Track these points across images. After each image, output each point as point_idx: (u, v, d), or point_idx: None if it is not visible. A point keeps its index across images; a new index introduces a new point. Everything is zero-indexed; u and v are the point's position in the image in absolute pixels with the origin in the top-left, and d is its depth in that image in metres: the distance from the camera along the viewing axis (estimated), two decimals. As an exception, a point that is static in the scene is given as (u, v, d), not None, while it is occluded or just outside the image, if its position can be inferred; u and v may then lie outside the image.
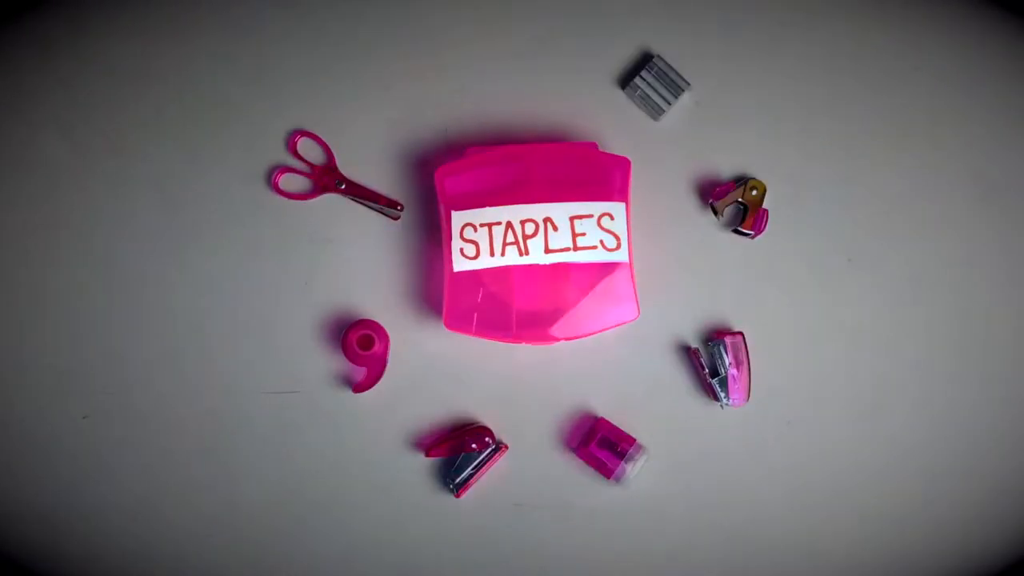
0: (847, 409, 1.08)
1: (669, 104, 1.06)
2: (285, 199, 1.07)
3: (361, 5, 1.08)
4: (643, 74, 1.05)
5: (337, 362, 1.07)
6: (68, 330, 1.07)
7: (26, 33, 1.08)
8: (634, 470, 1.04)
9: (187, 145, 1.08)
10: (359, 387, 1.05)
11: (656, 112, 1.06)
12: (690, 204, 1.08)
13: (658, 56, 1.06)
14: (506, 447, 1.06)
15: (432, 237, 1.07)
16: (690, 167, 1.08)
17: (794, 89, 1.08)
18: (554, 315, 1.04)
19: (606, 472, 1.05)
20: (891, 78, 1.08)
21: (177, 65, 1.08)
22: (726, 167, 1.08)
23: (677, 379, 1.08)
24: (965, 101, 1.08)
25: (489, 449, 1.05)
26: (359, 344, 1.04)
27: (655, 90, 1.05)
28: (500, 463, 1.07)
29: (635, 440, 1.05)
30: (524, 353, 1.06)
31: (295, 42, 1.08)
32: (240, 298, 1.07)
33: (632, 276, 1.02)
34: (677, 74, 1.05)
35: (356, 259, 1.07)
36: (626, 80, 1.07)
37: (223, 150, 1.08)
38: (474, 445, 1.04)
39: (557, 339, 1.02)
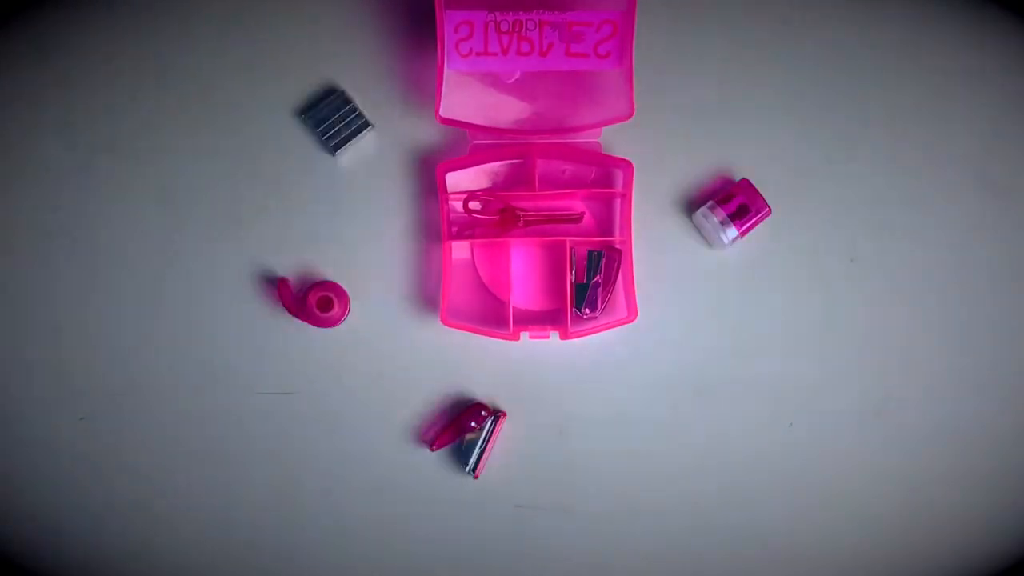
0: (848, 410, 1.08)
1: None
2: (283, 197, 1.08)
3: (359, 5, 1.08)
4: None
5: (335, 362, 1.07)
6: (65, 330, 1.07)
7: (26, 33, 1.08)
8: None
9: (185, 144, 1.08)
10: None
11: None
12: (691, 204, 1.08)
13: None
14: (504, 414, 1.06)
15: (432, 235, 1.07)
16: (691, 168, 1.08)
17: (795, 89, 1.08)
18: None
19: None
20: (892, 77, 1.09)
21: (176, 65, 1.08)
22: (727, 167, 1.08)
23: (675, 380, 1.08)
24: (967, 100, 1.09)
25: (489, 422, 1.05)
26: (319, 306, 1.04)
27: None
28: (504, 435, 1.07)
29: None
30: (523, 350, 1.06)
31: (294, 41, 1.08)
32: (238, 298, 1.07)
33: (632, 275, 1.02)
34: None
35: (355, 258, 1.07)
36: None
37: (221, 149, 1.08)
38: (472, 423, 1.04)
39: (553, 336, 1.02)
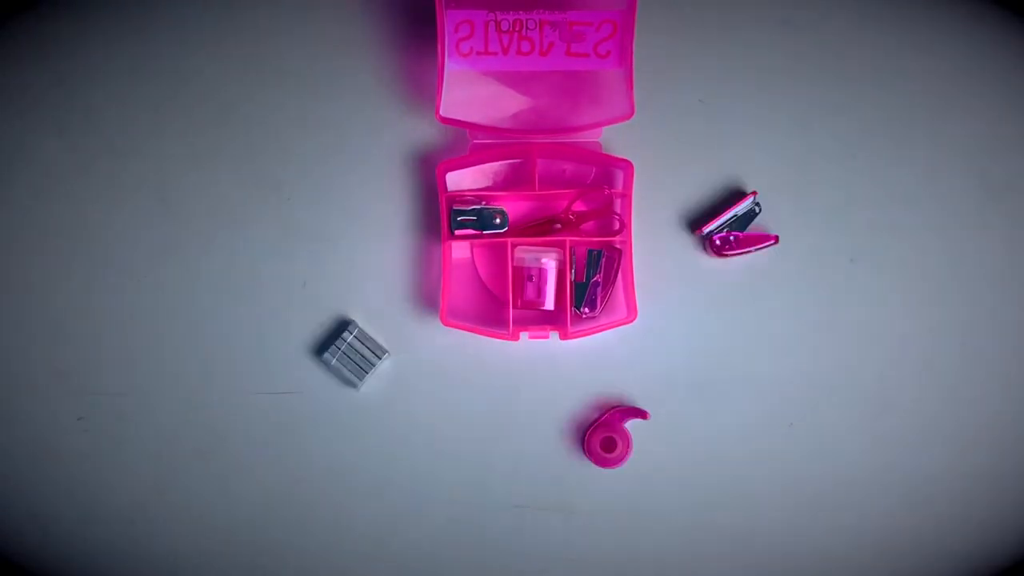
0: (849, 411, 1.08)
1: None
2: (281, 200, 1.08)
3: (359, 4, 1.08)
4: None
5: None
6: (64, 330, 1.07)
7: (26, 33, 1.08)
8: None
9: (185, 145, 1.08)
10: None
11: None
12: (691, 204, 1.08)
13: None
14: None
15: (432, 235, 1.07)
16: (691, 168, 1.08)
17: (795, 89, 1.08)
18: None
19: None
20: (892, 77, 1.09)
21: (175, 65, 1.08)
22: (728, 166, 1.08)
23: (675, 380, 1.08)
24: (967, 100, 1.09)
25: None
26: (603, 447, 1.05)
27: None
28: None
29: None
30: (523, 350, 1.06)
31: (294, 40, 1.08)
32: (238, 299, 1.07)
33: (631, 275, 1.02)
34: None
35: (355, 258, 1.07)
36: None
37: (221, 150, 1.08)
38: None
39: (553, 336, 1.02)
